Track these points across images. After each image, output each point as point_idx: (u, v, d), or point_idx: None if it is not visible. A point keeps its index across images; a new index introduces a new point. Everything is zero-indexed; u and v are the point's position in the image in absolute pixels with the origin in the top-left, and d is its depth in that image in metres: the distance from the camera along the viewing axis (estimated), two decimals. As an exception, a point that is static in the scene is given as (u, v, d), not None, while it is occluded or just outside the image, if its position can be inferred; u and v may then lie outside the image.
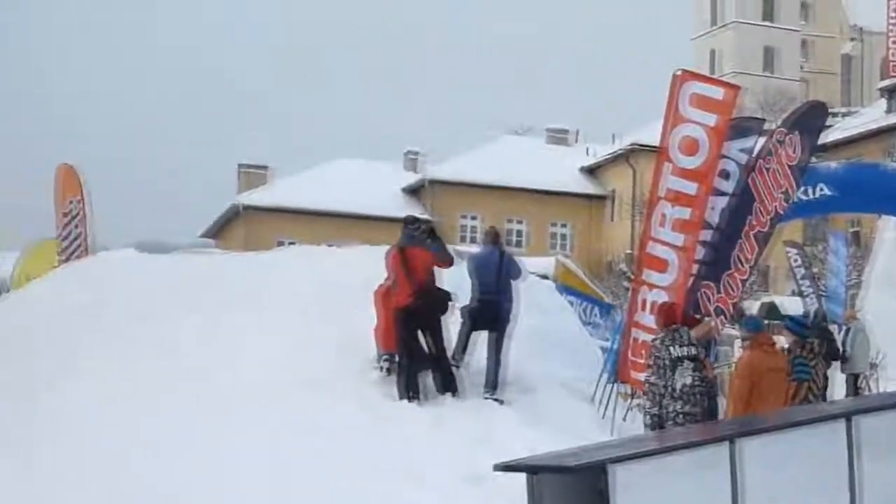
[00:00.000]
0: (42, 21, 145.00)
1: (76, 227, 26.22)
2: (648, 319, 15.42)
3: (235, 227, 66.54)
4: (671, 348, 13.10)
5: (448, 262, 15.64)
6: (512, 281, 15.63)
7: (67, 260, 24.95)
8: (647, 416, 13.28)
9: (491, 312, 15.37)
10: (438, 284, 15.28)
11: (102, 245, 25.27)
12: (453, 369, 15.11)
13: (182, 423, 13.65)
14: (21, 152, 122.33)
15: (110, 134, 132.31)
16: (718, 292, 15.75)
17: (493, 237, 16.38)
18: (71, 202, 26.36)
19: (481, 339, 15.53)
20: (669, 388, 12.98)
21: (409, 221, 16.05)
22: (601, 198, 69.22)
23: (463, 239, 59.23)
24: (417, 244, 15.44)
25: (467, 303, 15.53)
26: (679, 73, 16.03)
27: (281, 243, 50.56)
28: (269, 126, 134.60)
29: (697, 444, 8.88)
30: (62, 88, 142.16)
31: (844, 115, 74.07)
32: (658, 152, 16.18)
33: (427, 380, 14.92)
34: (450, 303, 15.19)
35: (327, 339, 15.71)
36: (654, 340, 13.57)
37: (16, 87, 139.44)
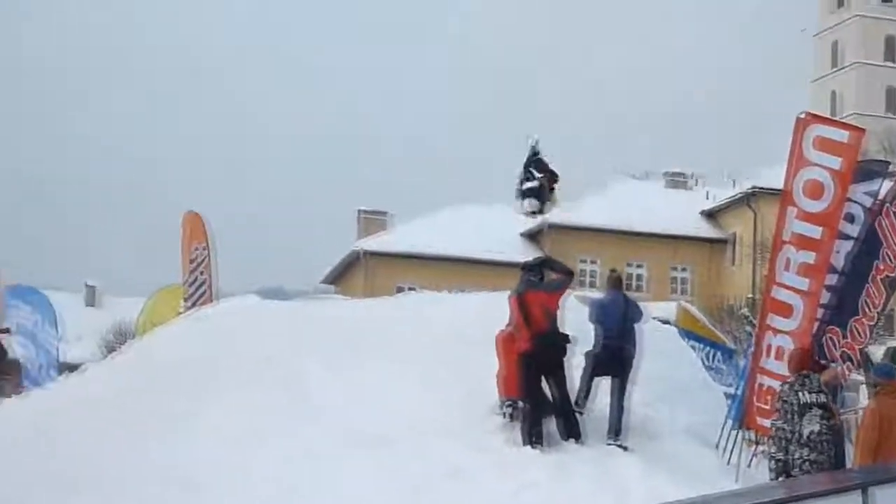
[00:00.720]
0: (159, 68, 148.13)
1: (201, 273, 26.56)
2: (774, 365, 15.25)
3: (356, 272, 66.93)
4: (800, 394, 12.93)
5: (569, 278, 15.81)
6: (635, 325, 15.57)
7: (193, 306, 25.28)
8: (773, 462, 13.10)
9: (615, 358, 15.31)
10: (559, 328, 15.25)
11: (227, 291, 25.57)
12: (576, 415, 15.06)
13: (304, 467, 13.76)
14: (148, 199, 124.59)
15: (231, 180, 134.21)
16: (844, 337, 15.51)
17: (616, 282, 16.34)
18: (196, 249, 26.72)
19: (603, 384, 15.46)
20: (797, 435, 12.80)
21: (528, 267, 16.07)
22: (721, 241, 68.56)
23: (582, 283, 58.90)
24: (537, 288, 15.46)
25: (590, 348, 15.48)
26: (803, 115, 15.88)
27: (401, 289, 50.70)
28: (386, 170, 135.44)
29: (830, 493, 8.76)
30: (186, 132, 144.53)
31: (969, 155, 72.66)
32: (781, 196, 16.03)
33: (550, 426, 14.88)
34: (568, 345, 15.16)
35: (449, 385, 15.74)
36: (782, 385, 13.41)
37: (140, 133, 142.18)
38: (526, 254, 48.39)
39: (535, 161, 19.19)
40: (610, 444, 14.87)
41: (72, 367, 23.99)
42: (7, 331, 26.73)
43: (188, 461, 14.14)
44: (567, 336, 15.19)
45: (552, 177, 19.85)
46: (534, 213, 19.22)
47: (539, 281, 15.67)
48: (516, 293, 15.44)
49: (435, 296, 21.29)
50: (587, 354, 15.45)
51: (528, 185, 19.76)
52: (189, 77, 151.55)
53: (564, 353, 15.13)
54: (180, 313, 24.99)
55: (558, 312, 15.31)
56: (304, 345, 17.68)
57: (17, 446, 15.68)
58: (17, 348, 26.97)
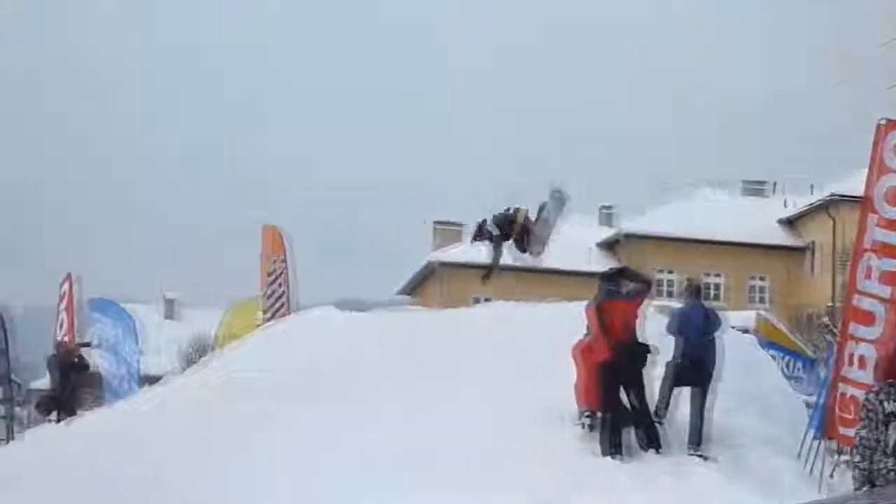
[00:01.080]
0: (242, 88, 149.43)
1: (279, 286, 26.75)
2: (857, 374, 15.07)
3: (431, 284, 67.02)
4: (885, 403, 12.73)
5: (647, 288, 15.81)
6: (715, 335, 15.47)
7: (272, 318, 25.48)
8: (857, 471, 12.91)
9: (695, 367, 15.22)
10: (639, 338, 15.19)
11: (305, 303, 25.71)
12: (656, 425, 14.98)
13: (378, 480, 13.77)
14: (226, 213, 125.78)
15: (310, 193, 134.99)
16: (926, 345, 15.28)
17: (695, 291, 16.26)
18: (275, 262, 26.93)
19: (684, 393, 15.37)
20: (882, 444, 12.61)
21: (606, 277, 16.01)
22: (800, 250, 67.88)
23: (659, 293, 58.50)
24: (616, 298, 15.40)
25: (670, 358, 15.40)
26: (884, 122, 15.68)
27: (477, 300, 50.65)
28: (459, 180, 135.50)
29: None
30: (264, 149, 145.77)
31: None
32: (862, 203, 15.84)
33: (630, 435, 14.81)
34: (648, 355, 15.10)
35: (528, 395, 15.71)
36: (867, 394, 13.22)
37: (221, 150, 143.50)
38: (602, 264, 48.28)
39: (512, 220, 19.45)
40: (690, 454, 14.79)
41: (152, 380, 24.25)
42: (88, 344, 27.08)
43: (264, 473, 14.21)
44: (647, 346, 15.14)
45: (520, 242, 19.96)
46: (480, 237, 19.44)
47: (617, 291, 15.60)
48: (594, 303, 15.38)
49: (511, 306, 21.28)
50: (668, 364, 15.37)
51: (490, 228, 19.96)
52: (261, 85, 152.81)
53: (644, 362, 15.07)
54: (258, 325, 25.18)
55: (637, 322, 15.25)
56: (381, 356, 17.74)
57: (99, 456, 15.87)
58: (98, 361, 27.28)
